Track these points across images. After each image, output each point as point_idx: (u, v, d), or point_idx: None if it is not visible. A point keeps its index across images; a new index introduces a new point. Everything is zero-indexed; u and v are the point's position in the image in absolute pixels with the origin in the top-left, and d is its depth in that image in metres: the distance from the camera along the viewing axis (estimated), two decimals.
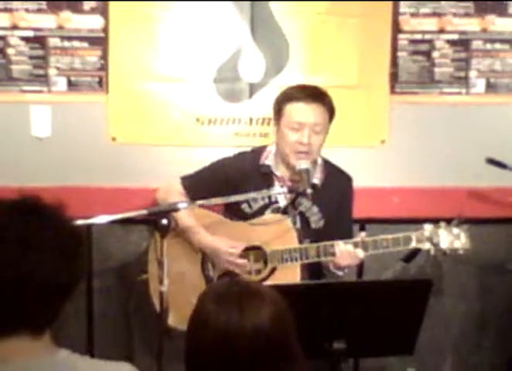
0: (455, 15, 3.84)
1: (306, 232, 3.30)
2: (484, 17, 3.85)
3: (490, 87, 3.91)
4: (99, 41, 3.72)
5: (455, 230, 3.20)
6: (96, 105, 3.76)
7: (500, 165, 3.68)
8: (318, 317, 2.60)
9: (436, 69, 3.88)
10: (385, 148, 3.90)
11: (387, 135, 3.89)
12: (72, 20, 3.70)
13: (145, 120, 3.79)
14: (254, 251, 3.28)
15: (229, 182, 3.25)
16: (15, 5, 3.65)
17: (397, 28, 3.83)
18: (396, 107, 3.87)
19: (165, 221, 2.83)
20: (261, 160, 3.32)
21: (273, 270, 3.25)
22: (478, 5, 3.83)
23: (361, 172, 3.59)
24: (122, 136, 3.80)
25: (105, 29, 3.71)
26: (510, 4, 3.85)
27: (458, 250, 3.21)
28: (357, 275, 3.84)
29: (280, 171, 3.30)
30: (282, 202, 3.30)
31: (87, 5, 3.68)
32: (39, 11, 3.67)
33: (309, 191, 3.12)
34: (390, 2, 3.81)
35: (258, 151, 3.36)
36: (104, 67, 3.74)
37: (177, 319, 3.02)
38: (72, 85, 3.75)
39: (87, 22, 3.70)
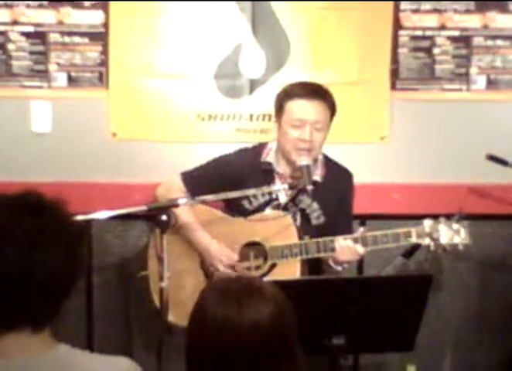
0: (456, 11, 3.83)
1: (306, 228, 3.30)
2: (485, 13, 3.84)
3: (491, 84, 3.90)
4: (99, 36, 3.72)
5: (455, 226, 3.20)
6: (96, 101, 3.76)
7: (501, 161, 3.68)
8: (317, 313, 2.60)
9: (437, 66, 3.88)
10: (385, 145, 3.90)
11: (388, 132, 3.89)
12: (72, 15, 3.70)
13: (146, 116, 3.79)
14: (254, 247, 3.28)
15: (229, 179, 3.25)
16: (15, 0, 3.65)
17: (397, 25, 3.83)
18: (396, 104, 3.87)
19: (165, 217, 2.83)
20: (261, 157, 3.32)
21: (273, 266, 3.26)
22: (479, 1, 3.82)
23: (361, 168, 3.58)
24: (122, 132, 3.80)
25: (105, 25, 3.71)
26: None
27: (457, 245, 3.21)
28: (357, 271, 3.84)
29: (281, 168, 3.30)
30: (283, 198, 3.30)
31: (87, 1, 3.68)
32: (40, 6, 3.67)
33: (310, 187, 3.13)
34: None
35: (259, 148, 3.36)
36: (104, 63, 3.74)
37: (177, 315, 3.03)
38: (72, 80, 3.75)
39: (87, 17, 3.70)
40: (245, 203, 3.29)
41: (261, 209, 3.30)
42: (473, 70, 3.89)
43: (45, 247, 1.58)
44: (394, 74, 3.86)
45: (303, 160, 3.16)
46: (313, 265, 3.30)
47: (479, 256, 3.98)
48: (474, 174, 3.89)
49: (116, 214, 2.92)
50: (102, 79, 3.75)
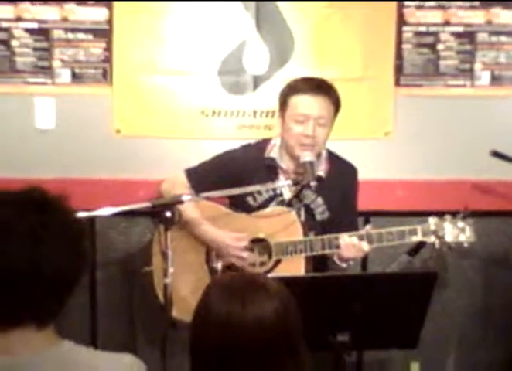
0: (460, 7, 3.82)
1: (311, 224, 3.30)
2: (489, 9, 3.84)
3: (495, 80, 3.90)
4: (103, 33, 3.72)
5: (461, 224, 3.20)
6: (100, 97, 3.75)
7: (505, 157, 3.67)
8: (322, 309, 2.60)
9: (441, 62, 3.87)
10: (389, 141, 3.89)
11: (392, 127, 3.88)
12: (76, 12, 3.70)
13: (150, 113, 3.79)
14: (258, 243, 3.28)
15: (233, 175, 3.25)
16: None
17: (401, 21, 3.82)
18: (400, 100, 3.87)
19: (169, 213, 2.83)
20: (265, 153, 3.31)
21: (277, 263, 3.26)
22: None
23: (365, 165, 3.57)
24: (126, 128, 3.79)
25: (109, 21, 3.71)
26: None
27: (463, 243, 3.21)
28: (362, 268, 3.84)
29: (285, 163, 3.29)
30: (287, 194, 3.30)
31: None
32: (44, 3, 3.67)
33: (313, 183, 3.13)
34: None
35: (263, 144, 3.35)
36: (108, 59, 3.74)
37: (181, 311, 3.03)
38: (76, 77, 3.75)
39: (91, 13, 3.70)
40: (249, 199, 3.29)
41: (265, 205, 3.30)
42: (477, 66, 3.88)
43: (50, 243, 1.58)
44: (398, 70, 3.85)
45: (306, 156, 3.15)
46: (318, 262, 3.30)
47: (484, 254, 3.97)
48: (478, 170, 3.89)
49: (120, 210, 2.92)
50: (106, 76, 3.75)
